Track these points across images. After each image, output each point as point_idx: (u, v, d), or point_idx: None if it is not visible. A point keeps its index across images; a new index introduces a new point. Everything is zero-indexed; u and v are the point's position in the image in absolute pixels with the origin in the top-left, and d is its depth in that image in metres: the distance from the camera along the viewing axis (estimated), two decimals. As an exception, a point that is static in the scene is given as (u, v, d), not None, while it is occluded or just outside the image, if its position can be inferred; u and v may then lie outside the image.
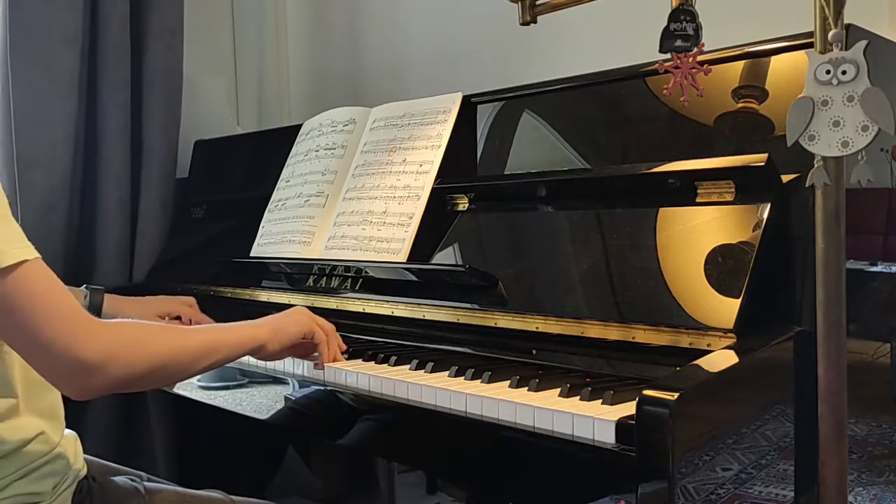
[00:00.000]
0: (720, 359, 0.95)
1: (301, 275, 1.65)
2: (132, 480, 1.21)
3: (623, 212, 1.21)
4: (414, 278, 1.43)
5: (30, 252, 0.94)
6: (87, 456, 1.19)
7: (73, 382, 0.97)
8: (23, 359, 0.98)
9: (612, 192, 1.25)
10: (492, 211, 1.42)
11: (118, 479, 1.20)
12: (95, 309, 1.55)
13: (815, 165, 0.90)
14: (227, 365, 1.45)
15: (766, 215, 1.04)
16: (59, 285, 0.97)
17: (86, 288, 1.58)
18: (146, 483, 1.21)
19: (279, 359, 1.28)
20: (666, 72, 1.02)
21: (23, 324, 0.93)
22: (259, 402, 1.42)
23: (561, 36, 1.82)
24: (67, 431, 1.15)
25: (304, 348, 1.27)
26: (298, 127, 1.87)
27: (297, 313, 1.26)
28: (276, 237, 1.74)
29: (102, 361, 0.95)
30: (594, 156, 1.40)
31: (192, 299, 1.70)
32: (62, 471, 1.10)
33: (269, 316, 1.25)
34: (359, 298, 1.50)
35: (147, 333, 1.05)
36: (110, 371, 0.96)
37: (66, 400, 1.14)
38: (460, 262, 1.38)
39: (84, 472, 1.14)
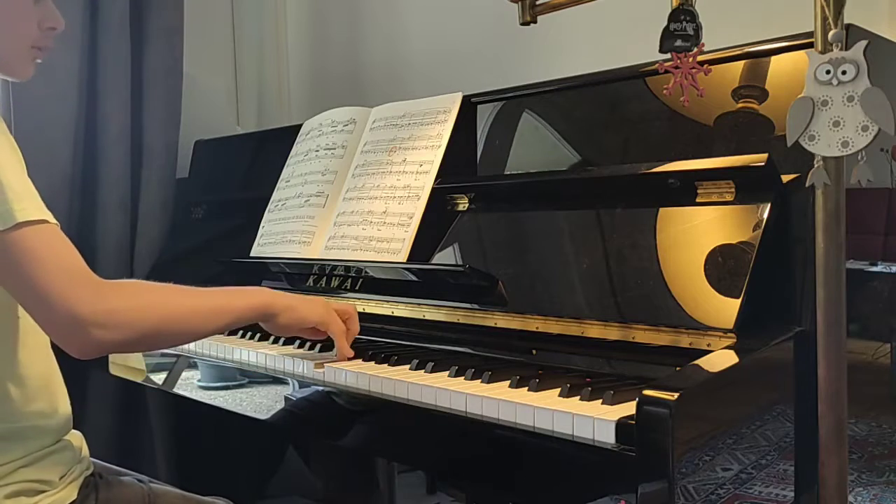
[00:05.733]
0: (720, 359, 0.95)
1: (301, 275, 1.65)
2: (138, 481, 1.22)
3: (623, 212, 1.21)
4: (414, 278, 1.43)
5: (42, 214, 0.97)
6: (92, 458, 1.20)
7: (70, 338, 0.98)
8: (28, 314, 1.00)
9: (612, 192, 1.25)
10: (492, 211, 1.42)
11: (124, 478, 1.21)
12: None
13: (815, 165, 0.90)
14: (228, 365, 1.47)
15: (766, 215, 1.04)
16: (68, 247, 0.99)
17: None
18: (151, 485, 1.22)
19: (287, 335, 1.32)
20: (666, 72, 1.02)
21: (26, 277, 0.95)
22: (259, 402, 1.42)
23: (561, 36, 1.82)
24: (74, 430, 1.16)
25: (315, 333, 1.27)
26: (298, 127, 1.87)
27: (316, 303, 1.25)
28: (276, 237, 1.74)
29: (101, 320, 0.96)
30: (594, 156, 1.40)
31: None
32: (69, 462, 1.11)
33: (292, 294, 1.26)
34: (359, 298, 1.50)
35: (154, 294, 1.06)
36: (110, 330, 0.97)
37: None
38: (460, 262, 1.38)
39: (90, 470, 1.16)
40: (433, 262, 1.40)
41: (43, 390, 1.09)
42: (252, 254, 1.78)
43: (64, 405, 1.14)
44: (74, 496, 1.09)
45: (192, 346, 1.55)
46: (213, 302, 1.12)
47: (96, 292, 0.97)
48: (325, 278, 1.59)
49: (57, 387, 1.13)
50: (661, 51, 1.02)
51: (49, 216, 0.98)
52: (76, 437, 1.16)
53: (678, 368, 0.93)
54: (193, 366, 1.60)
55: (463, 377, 1.13)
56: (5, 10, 1.10)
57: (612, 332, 1.11)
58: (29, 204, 0.96)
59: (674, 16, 1.00)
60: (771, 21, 1.26)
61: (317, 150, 1.76)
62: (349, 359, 1.28)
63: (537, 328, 1.19)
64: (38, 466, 1.06)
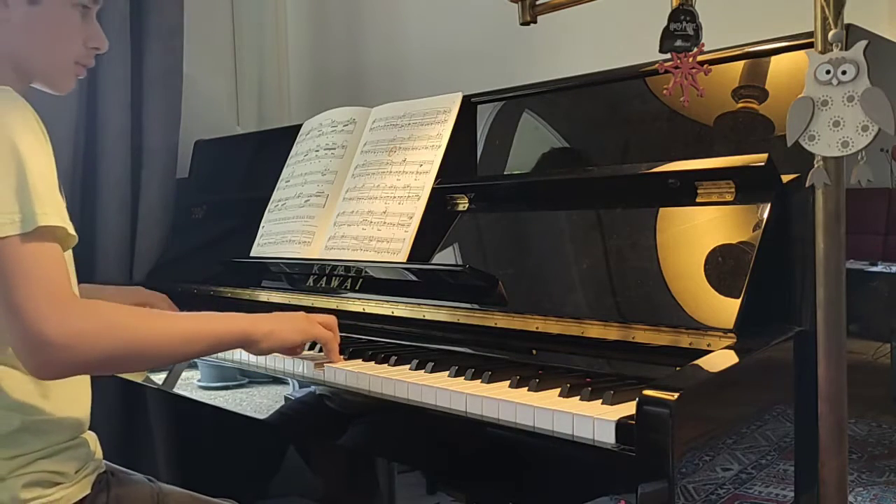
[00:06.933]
0: (720, 359, 0.95)
1: (301, 275, 1.65)
2: (149, 480, 1.24)
3: (623, 212, 1.21)
4: (414, 278, 1.43)
5: (43, 220, 0.97)
6: (105, 461, 1.22)
7: (33, 356, 0.95)
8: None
9: (612, 192, 1.25)
10: (492, 211, 1.42)
11: (134, 477, 1.24)
12: None
13: (815, 165, 0.90)
14: (228, 365, 1.47)
15: (766, 215, 1.04)
16: (56, 264, 0.98)
17: None
18: (161, 484, 1.23)
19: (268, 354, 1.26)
20: (666, 72, 1.02)
21: (4, 285, 0.94)
22: (259, 402, 1.42)
23: (561, 36, 1.82)
24: (89, 431, 1.18)
25: (297, 349, 1.26)
26: (298, 127, 1.87)
27: (299, 320, 1.23)
28: (276, 237, 1.74)
29: (66, 340, 0.94)
30: (594, 156, 1.40)
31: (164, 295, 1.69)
32: (84, 458, 1.13)
33: (272, 314, 1.24)
34: (359, 298, 1.50)
35: (123, 317, 1.03)
36: (74, 351, 0.95)
37: None
38: (460, 263, 1.38)
39: (103, 468, 1.18)
40: (433, 262, 1.40)
41: (59, 387, 1.10)
42: (252, 254, 1.78)
43: (82, 404, 1.16)
44: (88, 490, 1.12)
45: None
46: (186, 328, 1.08)
47: (65, 312, 0.95)
48: (325, 278, 1.59)
49: (75, 385, 1.14)
50: (661, 51, 1.02)
51: (69, 225, 1.00)
52: (91, 437, 1.18)
53: (678, 368, 0.93)
54: (193, 366, 1.60)
55: (463, 377, 1.13)
56: (54, 25, 1.13)
57: (611, 332, 1.11)
58: (49, 209, 0.98)
59: (674, 16, 1.00)
60: (771, 21, 1.26)
61: (317, 150, 1.76)
62: (346, 359, 1.29)
63: (537, 328, 1.19)
64: (56, 459, 1.08)
